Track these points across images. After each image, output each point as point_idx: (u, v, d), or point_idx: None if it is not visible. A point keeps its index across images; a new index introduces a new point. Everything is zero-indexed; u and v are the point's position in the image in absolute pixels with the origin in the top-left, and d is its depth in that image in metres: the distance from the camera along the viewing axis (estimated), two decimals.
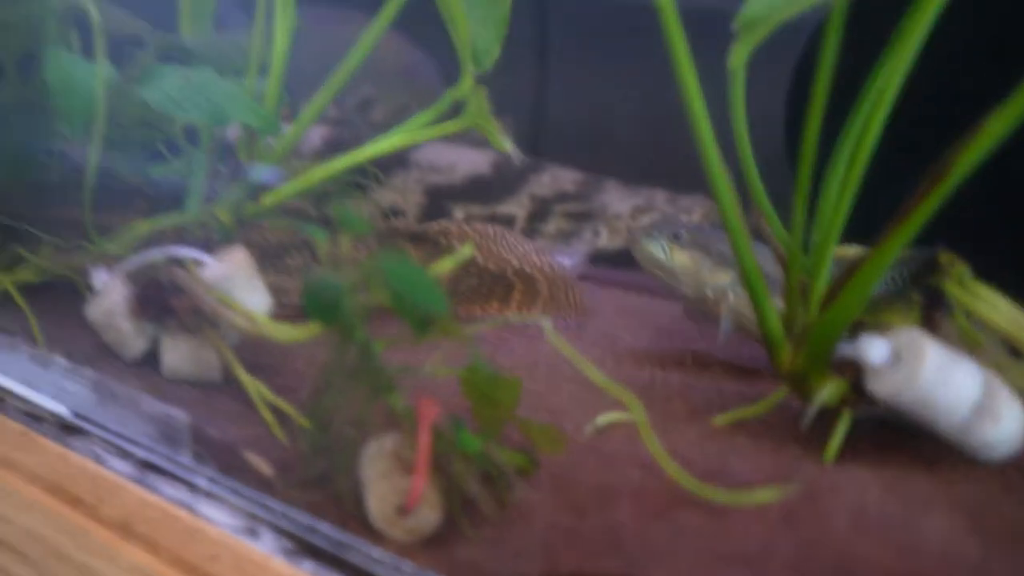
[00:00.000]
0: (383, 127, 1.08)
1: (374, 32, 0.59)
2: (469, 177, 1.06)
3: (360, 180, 0.97)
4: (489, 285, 0.80)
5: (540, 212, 1.09)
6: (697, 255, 0.71)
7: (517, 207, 1.08)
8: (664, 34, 0.52)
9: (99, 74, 0.58)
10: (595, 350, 0.76)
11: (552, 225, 1.09)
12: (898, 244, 0.51)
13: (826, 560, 0.42)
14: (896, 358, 0.53)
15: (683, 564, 0.43)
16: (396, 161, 1.04)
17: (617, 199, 1.10)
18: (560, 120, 1.21)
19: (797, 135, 0.56)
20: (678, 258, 0.71)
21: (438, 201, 1.05)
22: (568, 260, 1.06)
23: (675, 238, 0.71)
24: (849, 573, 0.41)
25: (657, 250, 0.72)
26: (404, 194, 1.03)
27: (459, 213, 1.06)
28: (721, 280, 0.70)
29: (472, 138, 0.91)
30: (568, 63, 1.22)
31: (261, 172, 0.62)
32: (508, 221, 1.08)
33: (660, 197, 1.10)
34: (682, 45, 0.51)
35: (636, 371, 0.71)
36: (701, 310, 0.74)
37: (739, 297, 0.69)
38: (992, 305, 0.55)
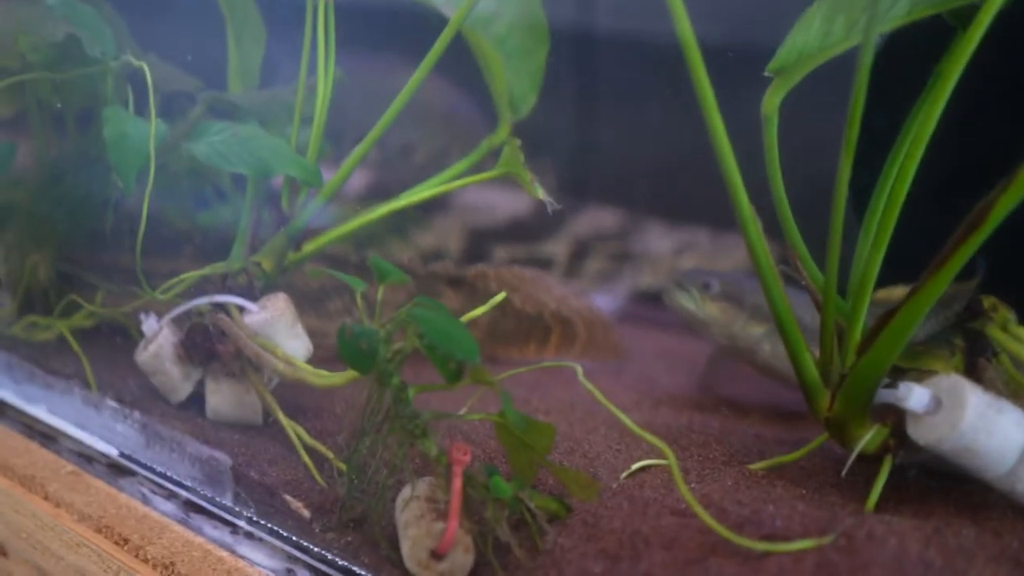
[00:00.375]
0: (424, 170, 1.10)
1: (412, 85, 0.61)
2: (510, 218, 1.08)
3: (401, 224, 0.99)
4: (527, 328, 0.81)
5: (581, 252, 1.10)
6: (729, 306, 0.70)
7: (558, 247, 1.09)
8: (690, 76, 0.52)
9: (151, 132, 0.61)
10: (632, 394, 0.75)
11: (593, 265, 1.09)
12: (936, 291, 0.51)
13: None
14: (937, 404, 0.52)
15: None
16: (437, 204, 1.06)
17: (658, 238, 1.10)
18: (603, 159, 1.22)
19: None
20: (709, 309, 0.71)
21: (480, 242, 1.07)
22: (609, 300, 1.06)
23: (706, 288, 0.71)
24: None
25: (687, 301, 0.71)
26: (446, 236, 1.04)
27: (501, 254, 1.07)
28: (754, 332, 0.69)
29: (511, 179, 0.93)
30: (610, 102, 1.23)
31: (303, 221, 0.64)
32: (549, 262, 1.09)
33: (703, 235, 1.10)
34: (707, 86, 0.51)
35: (674, 415, 0.70)
36: (732, 358, 0.73)
37: (775, 347, 0.68)
38: None
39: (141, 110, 0.66)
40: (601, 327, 0.82)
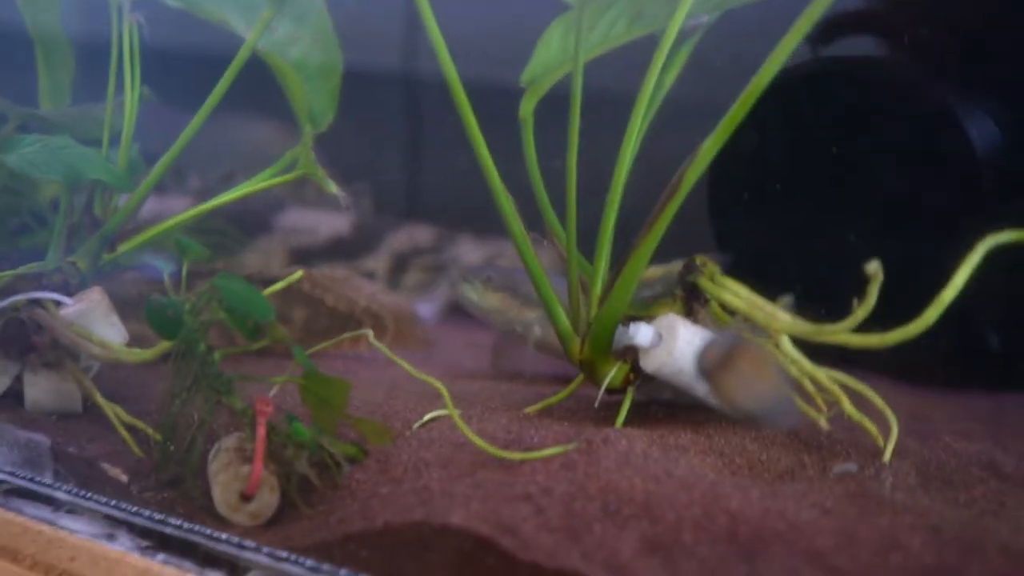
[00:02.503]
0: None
1: (210, 103, 0.69)
2: (331, 237, 1.16)
3: (226, 244, 1.05)
4: (340, 324, 0.89)
5: (399, 266, 1.19)
6: (506, 296, 0.82)
7: (377, 263, 1.18)
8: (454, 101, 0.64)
9: None
10: (435, 371, 0.84)
11: (411, 278, 1.19)
12: (648, 250, 0.64)
13: (592, 490, 0.52)
14: (659, 339, 0.64)
15: (477, 506, 0.52)
16: (260, 226, 1.12)
17: (469, 251, 1.21)
18: (417, 181, 1.33)
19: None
20: (490, 299, 0.82)
21: (302, 261, 1.14)
22: (428, 307, 1.16)
23: (487, 281, 0.82)
24: (608, 496, 0.51)
25: (471, 292, 0.82)
26: (269, 256, 1.11)
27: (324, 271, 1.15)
28: (528, 316, 0.81)
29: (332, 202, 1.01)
30: (423, 132, 1.34)
31: (115, 224, 0.70)
32: (370, 276, 1.17)
33: (509, 246, 1.22)
34: (469, 111, 0.63)
35: (468, 385, 0.80)
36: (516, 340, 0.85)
37: (545, 329, 0.80)
38: (735, 293, 0.67)
39: None
40: (408, 321, 0.91)
